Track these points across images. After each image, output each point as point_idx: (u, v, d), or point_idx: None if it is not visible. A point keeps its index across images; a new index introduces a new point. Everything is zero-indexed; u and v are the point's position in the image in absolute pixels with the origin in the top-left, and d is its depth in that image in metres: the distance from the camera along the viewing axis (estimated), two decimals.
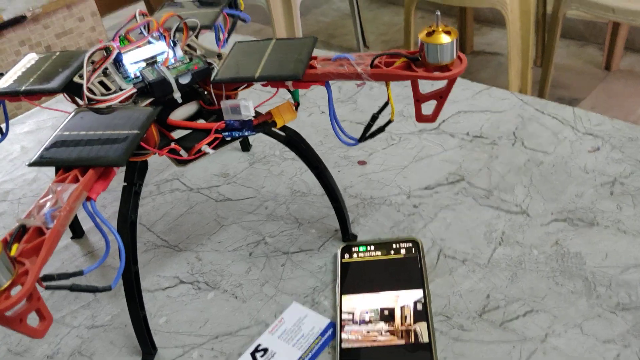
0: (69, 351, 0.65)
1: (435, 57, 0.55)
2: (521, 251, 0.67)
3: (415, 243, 0.69)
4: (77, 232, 0.80)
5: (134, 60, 0.61)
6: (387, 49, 2.45)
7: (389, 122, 0.59)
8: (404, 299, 0.63)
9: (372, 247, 0.69)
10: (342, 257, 0.69)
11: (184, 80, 0.57)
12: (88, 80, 0.59)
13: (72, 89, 0.62)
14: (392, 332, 0.60)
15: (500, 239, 0.69)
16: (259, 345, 0.63)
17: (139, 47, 0.63)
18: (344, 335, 0.61)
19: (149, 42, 0.64)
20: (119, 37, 0.63)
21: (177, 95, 0.58)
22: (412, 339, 0.59)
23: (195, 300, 0.69)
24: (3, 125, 0.69)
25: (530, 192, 0.75)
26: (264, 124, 0.60)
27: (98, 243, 0.79)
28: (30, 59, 0.67)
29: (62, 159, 0.51)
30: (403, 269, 0.66)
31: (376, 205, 0.77)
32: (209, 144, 0.58)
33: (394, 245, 0.69)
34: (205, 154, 0.58)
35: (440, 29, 0.54)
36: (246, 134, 0.59)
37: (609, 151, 0.79)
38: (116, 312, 0.69)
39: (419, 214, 0.75)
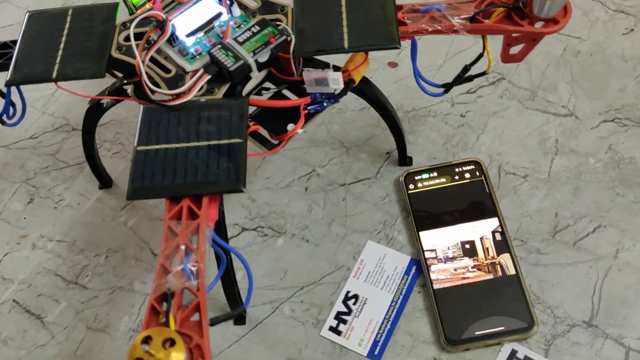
0: None
1: (545, 11, 0.50)
2: (578, 160, 0.69)
3: (477, 164, 0.69)
4: (106, 180, 0.74)
5: (188, 31, 0.52)
6: None
7: (483, 73, 0.56)
8: (482, 230, 0.65)
9: (435, 173, 0.69)
10: (407, 187, 0.69)
11: (263, 58, 0.50)
12: (143, 62, 0.50)
13: (111, 64, 0.53)
14: (478, 267, 0.63)
15: (555, 148, 0.71)
16: (348, 292, 0.64)
17: (185, 7, 0.53)
18: (432, 275, 0.63)
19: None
20: None
21: (255, 74, 0.51)
22: (499, 272, 0.62)
23: (266, 248, 0.68)
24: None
25: (574, 89, 0.75)
26: (344, 86, 0.54)
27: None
28: (36, 22, 0.55)
29: (167, 188, 0.45)
30: (472, 195, 0.67)
31: (421, 117, 0.75)
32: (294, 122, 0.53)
33: (457, 169, 0.69)
34: (293, 134, 0.53)
35: None
36: (331, 103, 0.53)
37: None
38: None
39: (468, 125, 0.74)
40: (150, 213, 0.71)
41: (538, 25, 0.52)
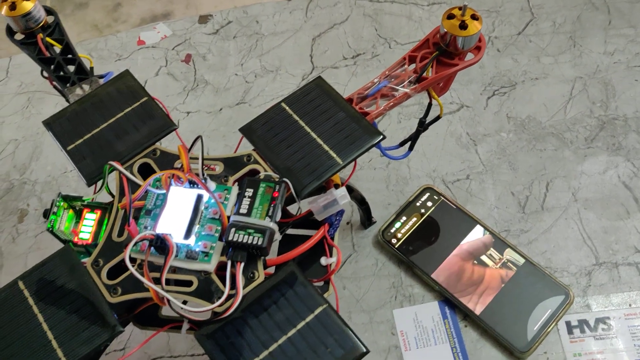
0: None
1: (470, 44, 0.54)
2: (494, 140, 0.77)
3: (430, 189, 0.72)
4: None
5: (183, 232, 0.46)
6: None
7: (438, 118, 0.58)
8: (475, 242, 0.69)
9: (404, 217, 0.71)
10: (390, 243, 0.70)
11: (279, 215, 0.46)
12: (162, 289, 0.44)
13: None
14: (497, 274, 0.67)
15: (471, 140, 0.77)
16: None
17: (160, 211, 0.47)
18: (469, 305, 0.65)
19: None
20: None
21: (279, 236, 0.47)
22: (514, 267, 0.67)
23: None
24: None
25: None
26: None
27: None
28: None
29: None
30: (446, 218, 0.71)
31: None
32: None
33: (417, 203, 0.72)
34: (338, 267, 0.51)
35: (468, 17, 0.53)
36: (341, 217, 0.52)
37: None
38: None
39: (392, 162, 0.76)
40: None
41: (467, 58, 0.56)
